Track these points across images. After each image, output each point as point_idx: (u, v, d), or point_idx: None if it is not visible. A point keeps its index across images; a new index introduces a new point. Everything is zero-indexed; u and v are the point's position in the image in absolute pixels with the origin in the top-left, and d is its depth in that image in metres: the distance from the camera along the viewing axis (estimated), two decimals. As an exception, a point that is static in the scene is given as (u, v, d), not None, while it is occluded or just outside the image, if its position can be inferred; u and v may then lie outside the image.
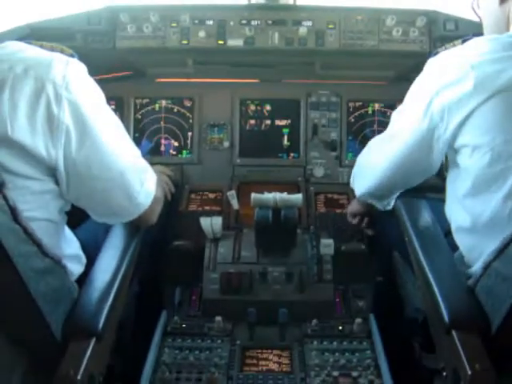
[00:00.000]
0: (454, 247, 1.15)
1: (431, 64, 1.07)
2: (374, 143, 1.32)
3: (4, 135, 0.84)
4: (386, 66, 1.80)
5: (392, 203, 1.38)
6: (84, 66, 0.97)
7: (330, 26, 1.67)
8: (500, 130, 0.96)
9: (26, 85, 0.86)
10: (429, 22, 1.67)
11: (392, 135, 1.20)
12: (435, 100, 1.02)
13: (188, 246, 1.51)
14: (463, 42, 1.10)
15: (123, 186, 1.04)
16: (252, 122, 1.87)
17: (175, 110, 1.86)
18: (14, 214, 0.81)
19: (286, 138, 1.85)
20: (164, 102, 1.87)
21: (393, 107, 1.79)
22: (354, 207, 1.58)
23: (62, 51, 1.02)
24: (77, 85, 0.91)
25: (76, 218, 1.17)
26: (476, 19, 1.21)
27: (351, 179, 1.45)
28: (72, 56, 0.99)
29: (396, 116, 1.19)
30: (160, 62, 1.79)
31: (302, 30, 1.64)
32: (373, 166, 1.29)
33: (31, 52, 0.92)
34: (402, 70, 1.77)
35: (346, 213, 1.64)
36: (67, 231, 1.15)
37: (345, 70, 1.84)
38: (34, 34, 1.59)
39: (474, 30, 1.25)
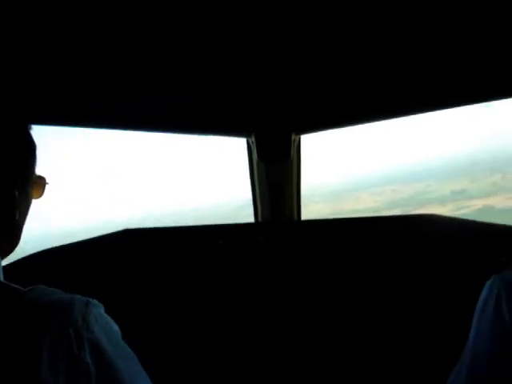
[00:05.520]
0: None
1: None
2: None
3: (33, 378, 0.84)
4: None
5: None
6: (102, 305, 1.01)
7: None
8: None
9: (49, 329, 0.88)
10: None
11: None
12: None
13: None
14: None
15: None
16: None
17: None
18: None
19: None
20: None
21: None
22: None
23: None
24: (96, 324, 0.94)
25: None
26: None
27: None
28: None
29: None
30: None
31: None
32: None
33: (55, 296, 0.96)
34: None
35: None
36: None
37: None
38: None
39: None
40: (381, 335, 1.58)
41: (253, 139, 1.73)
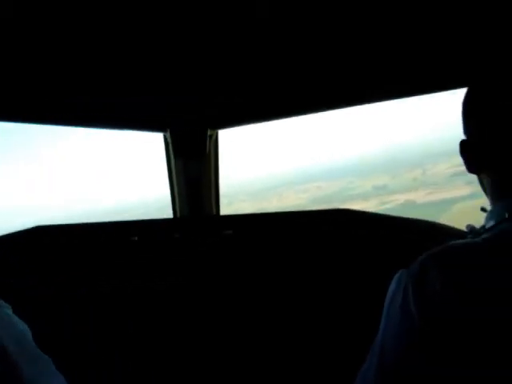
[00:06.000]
0: None
1: None
2: None
3: None
4: None
5: None
6: (9, 306, 0.97)
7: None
8: None
9: None
10: None
11: None
12: None
13: None
14: None
15: None
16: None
17: None
18: None
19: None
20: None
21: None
22: None
23: None
24: (1, 325, 0.90)
25: None
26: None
27: None
28: None
29: None
30: None
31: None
32: None
33: None
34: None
35: None
36: None
37: None
38: None
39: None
40: (295, 330, 1.61)
41: (168, 134, 1.72)
